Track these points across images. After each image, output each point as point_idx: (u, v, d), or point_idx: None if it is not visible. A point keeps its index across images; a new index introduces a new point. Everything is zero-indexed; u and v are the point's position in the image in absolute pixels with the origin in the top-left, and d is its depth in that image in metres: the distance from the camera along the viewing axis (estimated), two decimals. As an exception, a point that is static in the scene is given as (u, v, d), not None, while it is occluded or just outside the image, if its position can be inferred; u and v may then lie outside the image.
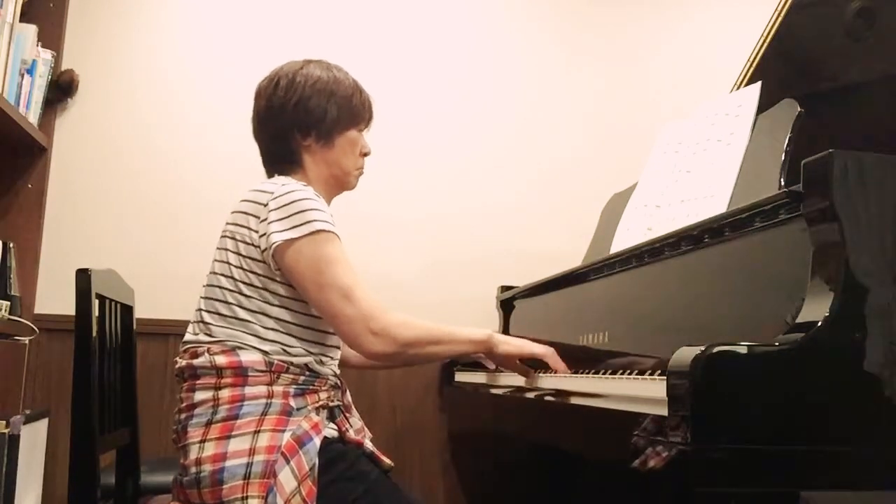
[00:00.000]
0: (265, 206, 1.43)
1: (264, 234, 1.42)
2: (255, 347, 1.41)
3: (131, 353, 1.78)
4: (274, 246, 1.40)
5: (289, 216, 1.41)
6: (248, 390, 1.38)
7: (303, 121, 1.54)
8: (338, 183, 1.61)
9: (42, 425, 2.21)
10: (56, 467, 2.26)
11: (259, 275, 1.44)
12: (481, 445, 2.60)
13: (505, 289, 2.57)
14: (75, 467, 1.40)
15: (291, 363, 1.42)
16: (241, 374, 1.39)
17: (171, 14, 2.63)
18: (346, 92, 1.59)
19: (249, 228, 1.44)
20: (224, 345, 1.42)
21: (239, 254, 1.45)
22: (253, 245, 1.44)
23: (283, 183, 1.46)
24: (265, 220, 1.42)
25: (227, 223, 1.49)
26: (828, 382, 1.05)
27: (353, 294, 1.40)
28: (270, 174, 1.60)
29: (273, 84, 1.57)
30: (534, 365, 1.64)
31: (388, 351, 1.42)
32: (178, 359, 1.48)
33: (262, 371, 1.40)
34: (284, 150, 1.56)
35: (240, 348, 1.41)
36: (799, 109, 1.53)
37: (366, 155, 1.65)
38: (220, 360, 1.40)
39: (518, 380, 1.77)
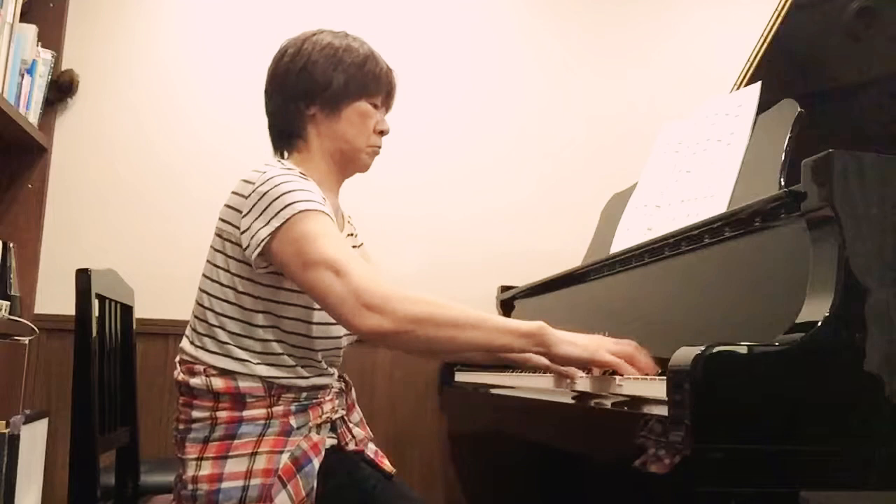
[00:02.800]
0: (246, 198, 1.34)
1: (246, 230, 1.32)
2: (251, 374, 1.34)
3: (131, 353, 1.78)
4: (262, 244, 1.30)
5: (268, 206, 1.30)
6: (247, 413, 1.33)
7: (307, 88, 1.44)
8: (347, 160, 1.49)
9: (42, 425, 2.21)
10: (56, 467, 2.26)
11: (244, 277, 1.35)
12: (481, 445, 2.60)
13: (505, 289, 2.57)
14: (75, 467, 1.40)
15: (290, 384, 1.36)
16: (238, 399, 1.34)
17: (170, 14, 2.63)
18: (357, 59, 1.46)
19: (232, 224, 1.36)
20: (220, 368, 1.34)
21: (225, 254, 1.37)
22: (238, 244, 1.34)
23: (264, 171, 1.35)
24: (246, 215, 1.32)
25: (219, 218, 1.40)
26: (828, 382, 1.05)
27: (341, 267, 1.25)
28: (277, 150, 1.52)
29: (281, 53, 1.49)
30: None
31: (387, 328, 1.22)
32: (176, 362, 1.43)
33: (260, 397, 1.34)
34: (289, 122, 1.47)
35: (237, 373, 1.34)
36: (799, 109, 1.53)
37: (382, 133, 1.50)
38: (218, 383, 1.34)
39: (518, 380, 1.77)
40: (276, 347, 1.36)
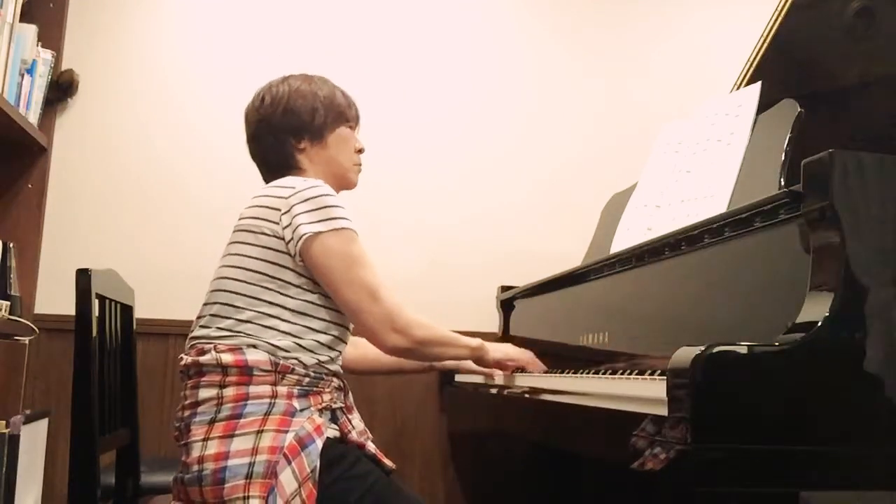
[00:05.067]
0: (286, 199, 1.47)
1: (289, 225, 1.45)
2: (267, 342, 1.42)
3: (131, 353, 1.78)
4: (303, 238, 1.43)
5: (315, 209, 1.45)
6: (253, 389, 1.39)
7: (293, 125, 1.60)
8: (338, 181, 1.65)
9: (42, 425, 2.21)
10: (56, 467, 2.26)
11: (281, 266, 1.46)
12: (481, 445, 2.60)
13: (505, 289, 2.57)
14: (75, 467, 1.40)
15: (299, 362, 1.43)
16: (245, 373, 1.40)
17: (170, 14, 2.63)
18: (328, 92, 1.65)
19: (268, 220, 1.47)
20: (231, 342, 1.42)
21: (259, 245, 1.47)
22: (276, 237, 1.46)
23: (303, 179, 1.51)
24: (288, 212, 1.46)
25: (243, 217, 1.52)
26: (828, 382, 1.05)
27: (379, 293, 1.48)
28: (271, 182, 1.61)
29: (259, 101, 1.63)
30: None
31: (405, 346, 1.51)
32: (183, 355, 1.48)
33: (266, 371, 1.40)
34: (283, 159, 1.61)
35: (247, 346, 1.41)
36: (799, 109, 1.53)
37: (360, 151, 1.69)
38: (226, 357, 1.40)
39: (518, 380, 1.77)
40: (296, 330, 1.45)
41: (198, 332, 1.48)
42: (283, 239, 1.46)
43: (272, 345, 1.42)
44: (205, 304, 1.51)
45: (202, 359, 1.42)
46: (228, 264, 1.50)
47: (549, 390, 1.58)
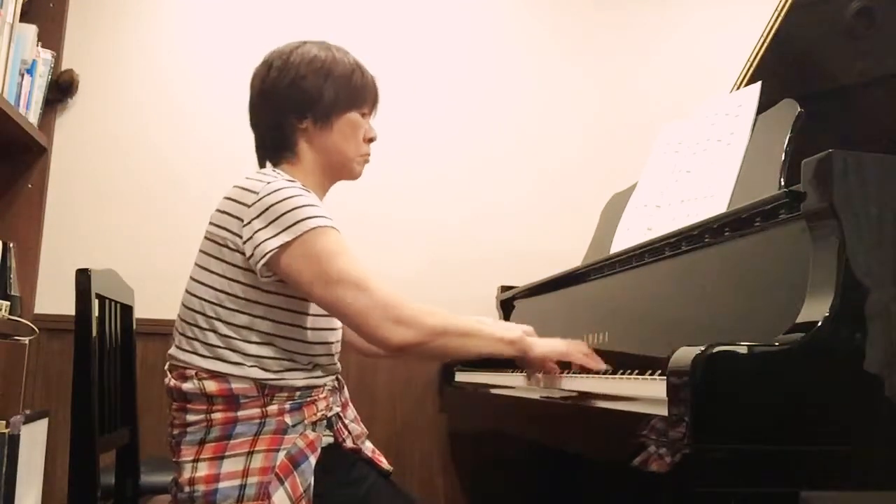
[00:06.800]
0: (249, 207, 1.34)
1: (249, 239, 1.32)
2: (243, 376, 1.33)
3: (131, 353, 1.78)
4: (268, 255, 1.30)
5: (277, 218, 1.31)
6: (242, 413, 1.33)
7: (298, 102, 1.44)
8: (338, 170, 1.51)
9: (42, 425, 2.21)
10: (56, 467, 2.26)
11: (243, 283, 1.35)
12: (481, 445, 2.60)
13: (505, 289, 2.57)
14: (75, 467, 1.40)
15: (287, 383, 1.35)
16: (232, 401, 1.33)
17: (170, 14, 2.63)
18: (345, 71, 1.48)
19: (231, 231, 1.35)
20: (214, 369, 1.34)
21: (221, 259, 1.36)
22: (238, 251, 1.34)
23: (268, 181, 1.35)
24: (249, 224, 1.32)
25: (210, 223, 1.40)
26: (828, 382, 1.05)
27: (366, 284, 1.31)
28: (262, 163, 1.51)
29: (267, 66, 1.48)
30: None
31: (413, 340, 1.33)
32: (167, 370, 1.42)
33: (254, 397, 1.34)
34: (280, 136, 1.46)
35: (230, 375, 1.33)
36: (799, 109, 1.53)
37: (371, 140, 1.53)
38: (210, 386, 1.34)
39: (518, 380, 1.77)
40: (270, 352, 1.36)
41: (176, 353, 1.39)
42: (243, 254, 1.33)
43: (259, 370, 1.34)
44: (182, 321, 1.40)
45: (185, 386, 1.35)
46: (194, 277, 1.39)
47: (548, 390, 1.57)
